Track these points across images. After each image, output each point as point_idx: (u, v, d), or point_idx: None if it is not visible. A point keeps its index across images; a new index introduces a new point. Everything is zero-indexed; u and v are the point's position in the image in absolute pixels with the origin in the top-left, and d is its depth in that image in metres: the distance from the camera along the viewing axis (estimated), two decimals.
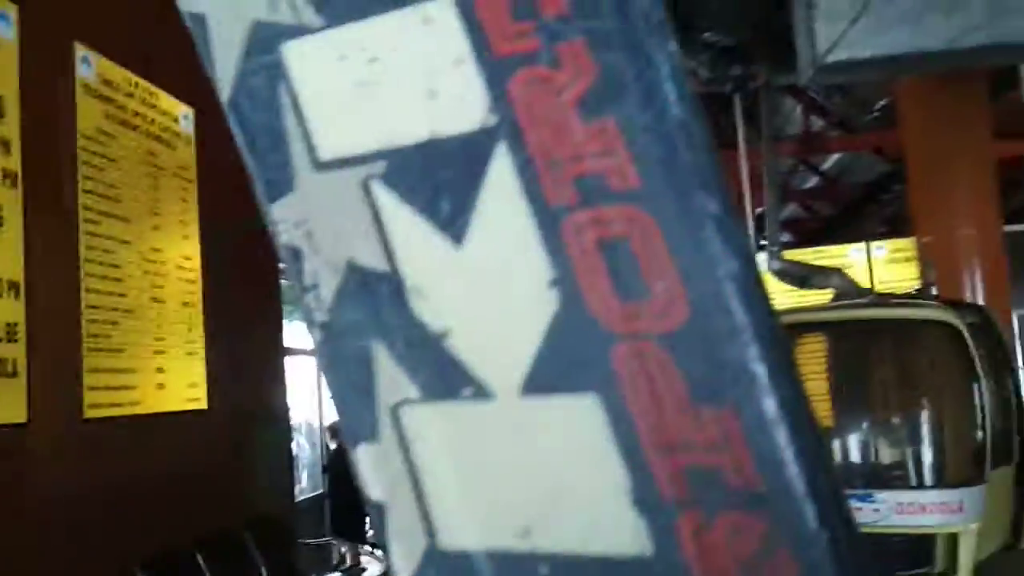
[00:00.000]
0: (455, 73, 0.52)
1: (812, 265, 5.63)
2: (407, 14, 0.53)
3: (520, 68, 0.50)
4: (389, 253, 0.55)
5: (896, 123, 7.75)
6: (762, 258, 5.98)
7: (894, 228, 10.96)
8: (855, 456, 5.08)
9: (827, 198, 14.17)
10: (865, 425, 5.13)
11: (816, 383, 5.14)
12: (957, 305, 4.66)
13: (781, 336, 0.48)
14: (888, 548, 4.43)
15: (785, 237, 8.09)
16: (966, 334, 4.30)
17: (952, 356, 4.43)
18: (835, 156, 12.16)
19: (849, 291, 5.13)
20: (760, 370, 0.46)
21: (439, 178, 0.53)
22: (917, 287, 5.09)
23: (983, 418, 4.24)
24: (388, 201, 0.55)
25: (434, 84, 0.53)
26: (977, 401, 4.27)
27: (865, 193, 12.23)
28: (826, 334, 5.05)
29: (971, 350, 4.29)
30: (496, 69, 0.51)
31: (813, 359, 5.09)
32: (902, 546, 4.42)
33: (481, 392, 0.53)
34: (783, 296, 5.98)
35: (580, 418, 0.50)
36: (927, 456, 4.63)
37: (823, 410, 5.11)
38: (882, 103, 9.66)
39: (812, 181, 13.48)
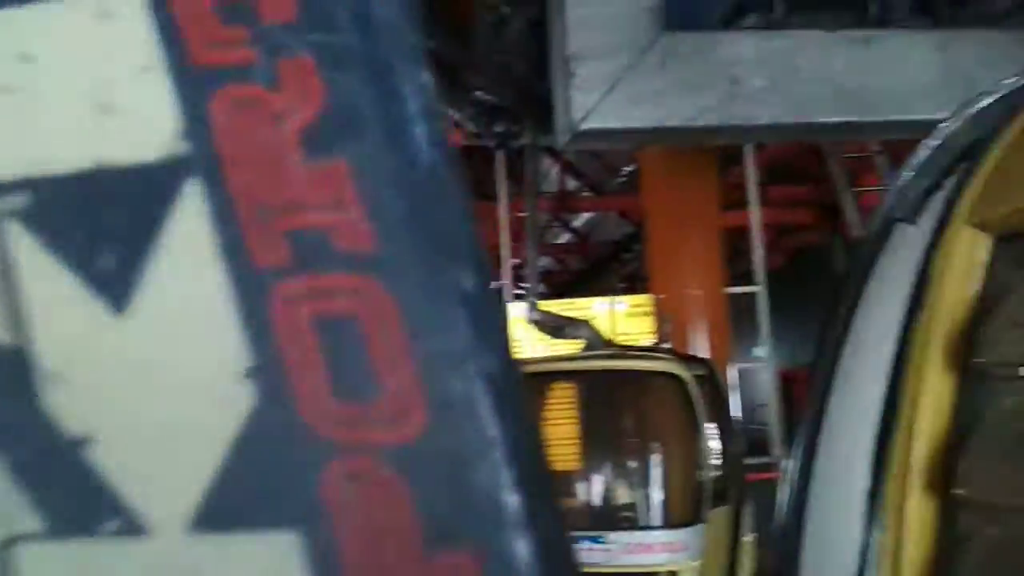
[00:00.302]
0: (138, 83, 0.38)
1: (565, 317, 5.97)
2: (78, 3, 0.39)
3: (226, 84, 0.38)
4: (17, 320, 0.37)
5: (639, 189, 8.45)
6: (520, 308, 6.46)
7: (634, 285, 11.86)
8: (590, 499, 5.32)
9: (578, 253, 15.06)
10: (600, 470, 5.31)
11: (561, 429, 5.44)
12: (685, 358, 5.11)
13: (542, 456, 0.39)
14: None
15: (539, 288, 8.50)
16: (691, 385, 4.72)
17: (678, 405, 4.83)
18: (586, 214, 12.99)
19: (596, 342, 5.48)
20: (513, 501, 0.35)
21: (102, 221, 0.38)
22: (654, 341, 5.52)
23: (703, 463, 4.64)
24: (26, 247, 0.38)
25: (108, 96, 0.39)
26: (698, 447, 4.68)
27: (611, 251, 13.15)
28: (570, 382, 5.32)
29: (694, 400, 4.71)
30: (194, 83, 0.38)
31: (558, 406, 5.35)
32: None
33: (132, 526, 0.36)
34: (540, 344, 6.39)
35: (271, 567, 0.36)
36: (654, 499, 4.97)
37: (567, 455, 5.41)
38: (628, 169, 10.48)
39: (564, 237, 14.30)
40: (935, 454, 0.85)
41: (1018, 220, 0.76)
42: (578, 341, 5.66)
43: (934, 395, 0.87)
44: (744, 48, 3.06)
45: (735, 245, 9.10)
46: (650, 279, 8.16)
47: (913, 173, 1.06)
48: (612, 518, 5.25)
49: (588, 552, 4.75)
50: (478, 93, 4.66)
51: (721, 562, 4.84)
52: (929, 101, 3.04)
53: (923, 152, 1.07)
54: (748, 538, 4.95)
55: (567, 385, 5.34)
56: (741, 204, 8.14)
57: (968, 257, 0.80)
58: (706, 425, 4.73)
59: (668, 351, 5.23)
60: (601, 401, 5.44)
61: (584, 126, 3.11)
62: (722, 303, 7.71)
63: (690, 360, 5.19)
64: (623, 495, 5.27)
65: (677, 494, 4.85)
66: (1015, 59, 2.99)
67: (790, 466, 1.18)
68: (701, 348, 7.21)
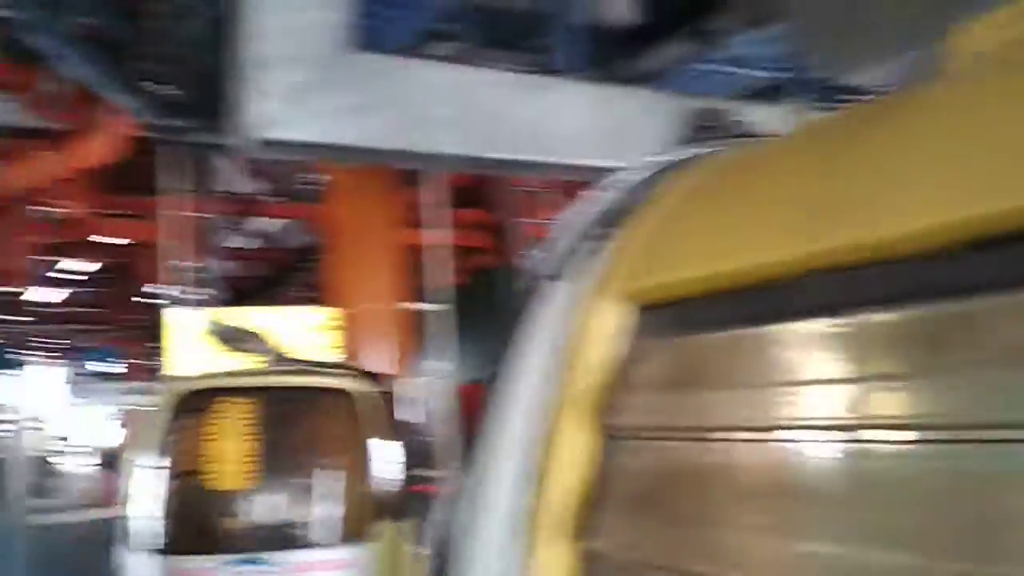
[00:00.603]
0: None
1: (241, 329, 5.70)
2: None
3: None
4: None
5: (324, 199, 8.32)
6: (200, 316, 6.07)
7: (316, 295, 11.62)
8: (253, 519, 5.09)
9: (260, 259, 14.48)
10: (265, 488, 5.19)
11: (231, 445, 5.16)
12: (358, 373, 5.08)
13: None
14: None
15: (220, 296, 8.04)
16: (359, 401, 4.70)
17: (344, 421, 4.80)
18: (272, 219, 12.53)
19: (271, 356, 5.30)
20: None
21: None
22: (332, 355, 5.45)
23: (368, 479, 4.62)
24: None
25: None
26: (364, 464, 4.66)
27: (294, 259, 12.82)
28: (242, 398, 5.13)
29: (360, 416, 4.69)
30: None
31: (228, 423, 5.11)
32: None
33: None
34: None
35: None
36: (319, 516, 4.89)
37: (234, 473, 5.14)
38: (316, 176, 10.29)
39: (246, 241, 13.68)
40: (571, 507, 0.88)
41: (658, 293, 0.80)
42: (257, 354, 5.43)
43: (571, 450, 0.90)
44: (429, 76, 3.11)
45: (414, 261, 9.28)
46: (329, 291, 8.05)
47: (564, 231, 1.10)
48: (276, 538, 5.07)
49: None
50: (151, 82, 4.30)
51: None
52: (592, 148, 3.30)
53: (576, 212, 1.12)
54: (420, 552, 5.00)
55: (239, 400, 5.13)
56: (419, 223, 8.31)
57: (608, 323, 0.84)
58: (376, 441, 4.73)
59: (342, 366, 5.17)
60: (269, 417, 5.23)
61: (261, 135, 2.98)
62: (403, 319, 7.79)
63: (363, 375, 5.17)
64: (287, 514, 5.10)
65: (341, 511, 4.79)
66: (667, 119, 3.34)
67: (458, 485, 1.18)
68: (378, 363, 7.23)
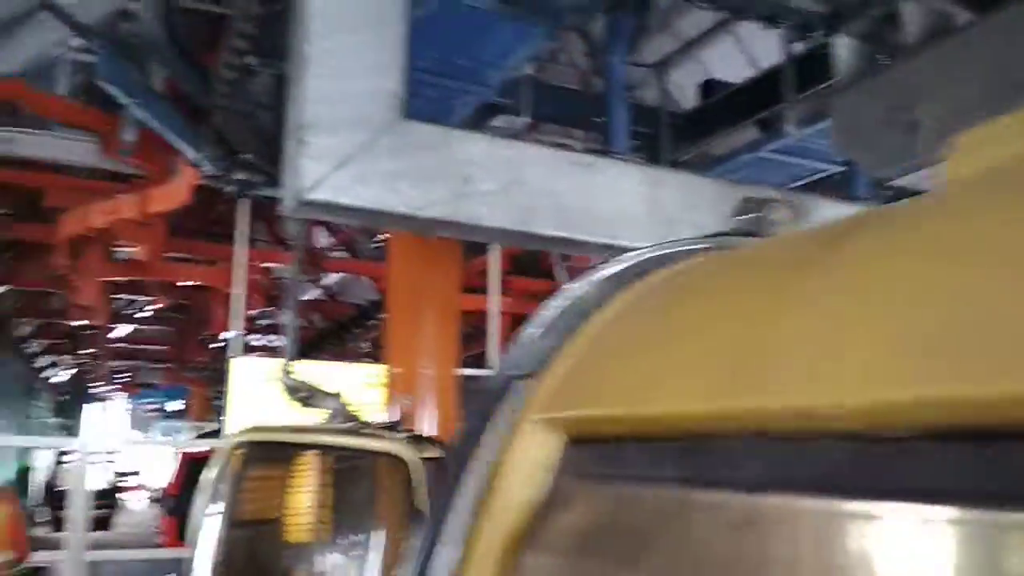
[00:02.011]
0: None
1: (315, 387, 5.76)
2: None
3: None
4: None
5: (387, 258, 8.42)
6: (272, 368, 6.21)
7: (374, 352, 11.73)
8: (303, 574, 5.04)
9: (323, 312, 14.73)
10: (322, 547, 5.11)
11: (291, 500, 5.16)
12: (420, 439, 4.97)
13: None
14: None
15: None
16: (413, 468, 4.59)
17: (398, 488, 4.67)
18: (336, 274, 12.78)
19: (342, 414, 5.31)
20: None
21: None
22: (391, 419, 5.37)
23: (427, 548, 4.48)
24: None
25: None
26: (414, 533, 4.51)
27: (356, 314, 12.98)
28: (307, 454, 5.11)
29: (417, 483, 4.56)
30: None
31: (292, 476, 5.14)
32: None
33: None
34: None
35: None
36: None
37: (293, 527, 5.18)
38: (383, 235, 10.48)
39: (312, 293, 13.95)
40: None
41: (584, 428, 0.72)
42: (324, 410, 5.45)
43: None
44: (477, 150, 3.11)
45: (477, 327, 9.28)
46: (387, 350, 8.04)
47: (524, 337, 1.02)
48: None
49: None
50: (218, 136, 4.43)
51: None
52: (641, 231, 3.24)
53: (547, 310, 1.04)
54: None
55: (303, 456, 5.10)
56: (483, 289, 8.33)
57: (534, 453, 0.75)
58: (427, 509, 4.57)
59: (405, 430, 5.08)
60: (331, 477, 5.17)
61: (310, 196, 3.00)
62: (455, 383, 7.75)
63: (422, 441, 5.08)
64: (341, 573, 5.01)
65: None
66: (716, 206, 3.27)
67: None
68: (431, 427, 7.18)
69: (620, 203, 3.18)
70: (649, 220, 3.17)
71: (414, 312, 7.59)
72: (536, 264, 10.16)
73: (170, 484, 11.22)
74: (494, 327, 8.15)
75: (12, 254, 12.15)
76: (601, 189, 3.16)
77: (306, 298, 14.05)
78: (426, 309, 7.57)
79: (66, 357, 22.04)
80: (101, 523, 9.03)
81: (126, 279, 10.80)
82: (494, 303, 8.10)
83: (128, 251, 9.38)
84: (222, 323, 12.29)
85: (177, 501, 10.78)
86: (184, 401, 25.76)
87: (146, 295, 15.19)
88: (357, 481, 5.28)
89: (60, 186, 8.22)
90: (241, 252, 8.07)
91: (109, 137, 6.32)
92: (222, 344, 19.60)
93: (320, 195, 3.04)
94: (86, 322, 14.86)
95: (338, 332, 13.67)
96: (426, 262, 7.22)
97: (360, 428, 5.31)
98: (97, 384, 25.50)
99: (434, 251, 7.07)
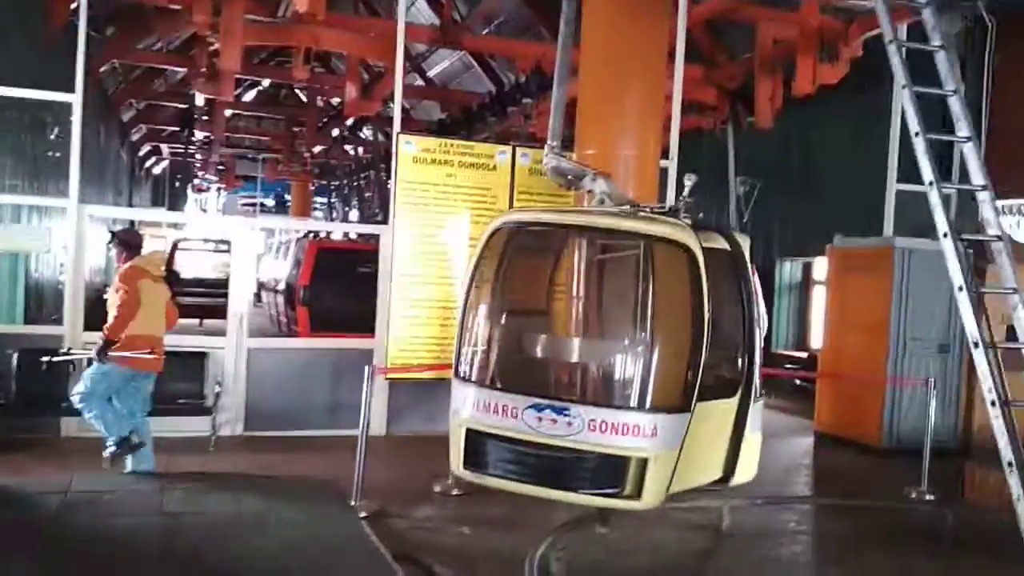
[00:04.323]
0: None
1: (583, 167, 5.06)
2: None
3: None
4: None
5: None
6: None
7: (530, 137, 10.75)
8: (561, 365, 4.62)
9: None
10: (590, 339, 4.82)
11: (556, 287, 4.90)
12: (704, 228, 4.18)
13: None
14: (580, 466, 3.91)
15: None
16: (700, 258, 3.88)
17: (680, 279, 3.99)
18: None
19: (612, 198, 4.71)
20: None
21: None
22: (671, 204, 4.58)
23: (701, 347, 3.83)
24: None
25: None
26: (698, 330, 3.86)
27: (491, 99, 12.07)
28: (572, 237, 4.77)
29: (702, 276, 3.87)
30: None
31: (556, 262, 4.85)
32: (595, 464, 3.93)
33: None
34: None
35: None
36: (629, 376, 4.25)
37: (558, 316, 4.91)
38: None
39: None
40: None
41: None
42: (591, 193, 4.84)
43: None
44: None
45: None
46: (576, 129, 6.91)
47: None
48: (582, 390, 4.51)
49: (550, 424, 3.90)
50: None
51: (711, 458, 4.11)
52: None
53: None
54: (753, 437, 4.25)
55: (570, 241, 4.76)
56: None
57: None
58: (710, 308, 3.84)
59: (685, 217, 4.26)
60: (601, 262, 4.78)
61: None
62: (656, 166, 6.68)
63: (709, 230, 4.28)
64: (597, 367, 4.50)
65: (658, 375, 4.04)
66: None
67: None
68: None
69: None
70: None
71: (613, 80, 6.25)
72: None
73: (302, 275, 10.75)
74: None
75: (121, 26, 11.16)
76: None
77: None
78: (629, 78, 6.21)
79: (167, 146, 21.58)
80: (218, 312, 8.63)
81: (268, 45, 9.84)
82: None
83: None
84: (355, 104, 11.41)
85: (310, 292, 10.45)
86: (280, 197, 25.43)
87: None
88: (626, 269, 4.62)
89: None
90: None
91: None
92: (345, 133, 18.88)
93: None
94: (197, 103, 14.11)
95: (466, 120, 12.67)
96: (631, 17, 6.01)
97: (636, 212, 4.55)
98: (196, 175, 25.18)
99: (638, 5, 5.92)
